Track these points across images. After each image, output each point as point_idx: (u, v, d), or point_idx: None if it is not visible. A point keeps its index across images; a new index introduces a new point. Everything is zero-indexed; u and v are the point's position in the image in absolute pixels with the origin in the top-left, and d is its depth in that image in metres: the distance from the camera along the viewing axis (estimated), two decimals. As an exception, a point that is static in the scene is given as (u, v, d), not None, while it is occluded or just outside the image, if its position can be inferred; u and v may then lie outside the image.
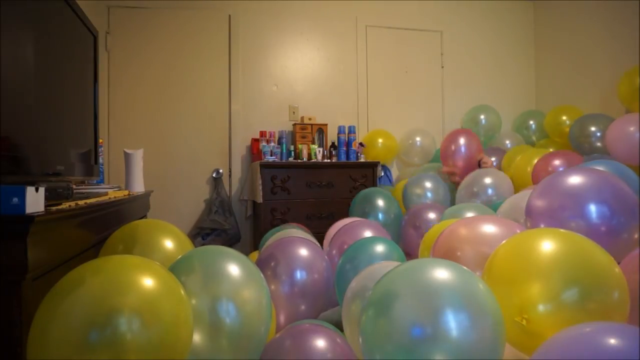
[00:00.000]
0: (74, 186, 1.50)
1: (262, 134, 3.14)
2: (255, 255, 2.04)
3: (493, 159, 3.07)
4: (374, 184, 3.12)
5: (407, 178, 3.01)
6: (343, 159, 3.18)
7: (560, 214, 1.36)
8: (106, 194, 1.72)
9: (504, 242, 1.18)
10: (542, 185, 1.47)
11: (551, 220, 1.37)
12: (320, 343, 1.12)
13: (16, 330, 0.91)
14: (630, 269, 1.10)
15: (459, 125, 3.68)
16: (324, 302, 1.62)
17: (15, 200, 0.91)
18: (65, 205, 1.18)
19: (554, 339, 0.84)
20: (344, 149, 3.20)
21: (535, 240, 1.10)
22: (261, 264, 1.57)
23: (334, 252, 1.90)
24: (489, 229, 1.39)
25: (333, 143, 3.20)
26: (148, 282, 0.94)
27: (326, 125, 3.27)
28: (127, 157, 2.21)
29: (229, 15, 3.34)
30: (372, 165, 3.16)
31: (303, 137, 3.18)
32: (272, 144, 3.07)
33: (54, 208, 1.07)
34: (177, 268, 1.14)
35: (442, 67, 3.79)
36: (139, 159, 2.22)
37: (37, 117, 1.24)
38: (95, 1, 3.04)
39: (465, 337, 0.89)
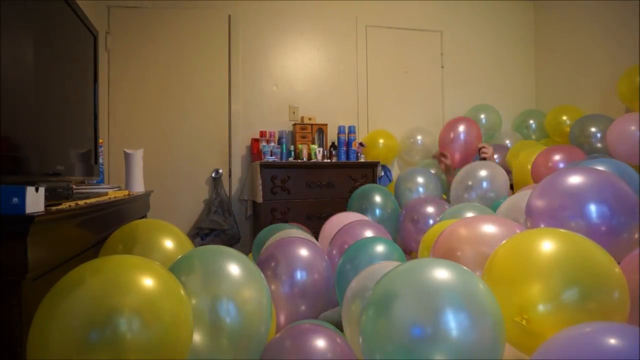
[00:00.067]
0: (74, 186, 1.50)
1: (262, 134, 3.14)
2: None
3: (495, 156, 3.05)
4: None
5: (405, 176, 3.01)
6: (343, 159, 3.18)
7: (560, 213, 1.36)
8: (106, 194, 1.72)
9: (504, 242, 1.18)
10: (542, 185, 1.47)
11: (551, 220, 1.37)
12: (320, 343, 1.12)
13: (16, 330, 0.91)
14: (630, 269, 1.10)
15: (459, 125, 3.68)
16: (324, 302, 1.62)
17: (15, 200, 0.91)
18: (65, 205, 1.18)
19: (554, 339, 0.84)
20: (344, 149, 3.20)
21: (535, 240, 1.10)
22: (261, 264, 1.57)
23: (334, 252, 1.90)
24: (489, 229, 1.39)
25: (333, 143, 3.21)
26: (148, 282, 0.94)
27: (326, 125, 3.27)
28: (127, 157, 2.21)
29: (229, 15, 3.33)
30: (372, 165, 3.16)
31: (303, 137, 3.18)
32: (272, 144, 3.07)
33: (54, 208, 1.07)
34: (177, 268, 1.14)
35: (442, 67, 3.79)
36: (139, 159, 2.22)
37: (37, 117, 1.24)
38: (95, 1, 3.04)
39: (465, 337, 0.89)
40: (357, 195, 2.64)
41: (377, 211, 2.51)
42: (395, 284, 1.01)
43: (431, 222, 2.18)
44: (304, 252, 1.61)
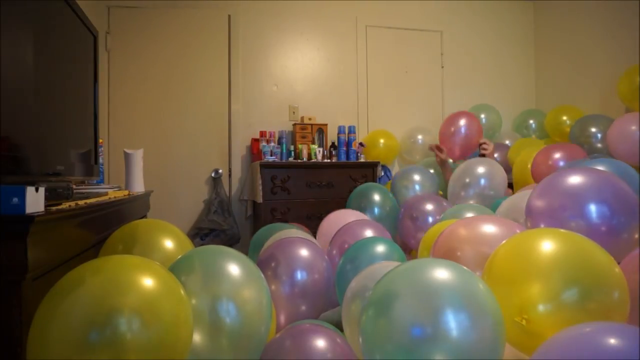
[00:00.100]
0: (74, 186, 1.50)
1: (262, 134, 3.14)
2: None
3: (496, 155, 3.05)
4: (374, 184, 3.12)
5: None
6: (343, 159, 3.18)
7: (560, 213, 1.36)
8: (106, 194, 1.72)
9: (504, 242, 1.18)
10: (542, 185, 1.47)
11: (551, 220, 1.37)
12: (320, 343, 1.12)
13: (16, 330, 0.91)
14: (630, 269, 1.10)
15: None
16: (325, 303, 1.62)
17: (15, 200, 0.91)
18: (65, 205, 1.18)
19: (554, 339, 0.84)
20: (344, 149, 3.20)
21: (535, 240, 1.10)
22: (261, 264, 1.57)
23: (334, 252, 1.90)
24: (489, 229, 1.39)
25: (333, 143, 3.21)
26: (148, 282, 0.94)
27: (326, 125, 3.27)
28: (127, 157, 2.21)
29: (229, 16, 3.33)
30: (372, 165, 3.16)
31: (303, 137, 3.18)
32: (272, 144, 3.07)
33: (54, 208, 1.07)
34: (177, 268, 1.14)
35: (442, 67, 3.79)
36: (139, 159, 2.22)
37: (37, 117, 1.24)
38: (95, 1, 3.04)
39: (465, 337, 0.89)
40: (356, 194, 2.65)
41: (376, 210, 2.52)
42: (395, 284, 1.01)
43: (430, 219, 2.18)
44: (304, 252, 1.61)
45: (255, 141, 3.23)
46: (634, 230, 1.29)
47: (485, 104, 3.64)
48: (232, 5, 3.34)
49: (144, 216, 2.34)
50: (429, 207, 2.23)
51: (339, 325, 1.37)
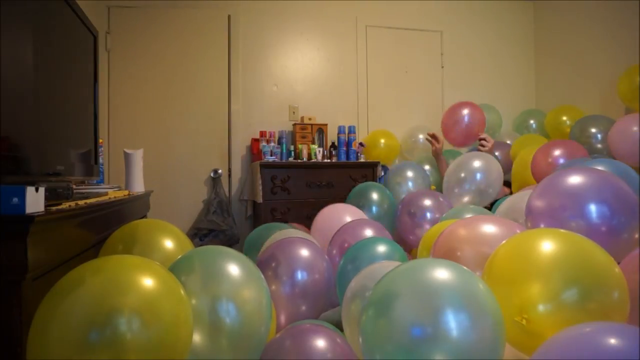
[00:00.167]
0: (74, 186, 1.50)
1: (262, 134, 3.14)
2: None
3: (497, 153, 3.04)
4: (374, 184, 3.12)
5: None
6: (343, 159, 3.18)
7: (560, 213, 1.36)
8: (106, 194, 1.72)
9: (504, 242, 1.18)
10: (543, 185, 1.47)
11: (551, 220, 1.37)
12: (320, 343, 1.12)
13: (16, 330, 0.91)
14: (630, 269, 1.10)
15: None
16: (325, 303, 1.62)
17: (15, 200, 0.91)
18: (65, 205, 1.18)
19: (554, 339, 0.84)
20: (344, 149, 3.20)
21: (535, 241, 1.10)
22: (262, 265, 1.57)
23: (334, 251, 1.90)
24: (489, 229, 1.39)
25: (333, 143, 3.20)
26: (148, 282, 0.94)
27: (326, 125, 3.27)
28: (127, 157, 2.21)
29: (229, 16, 3.33)
30: (372, 165, 3.16)
31: (303, 137, 3.18)
32: (272, 144, 3.07)
33: (54, 208, 1.07)
34: (177, 268, 1.14)
35: (442, 67, 3.79)
36: (139, 159, 2.22)
37: (37, 117, 1.24)
38: (95, 1, 3.04)
39: (465, 337, 0.89)
40: (355, 193, 2.65)
41: (374, 208, 2.53)
42: (395, 284, 1.01)
43: (428, 215, 2.20)
44: (304, 252, 1.61)
45: (255, 141, 3.23)
46: (634, 230, 1.29)
47: (485, 104, 3.62)
48: (232, 5, 3.34)
49: (144, 216, 2.34)
50: (427, 202, 2.23)
51: (339, 325, 1.37)
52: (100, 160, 2.08)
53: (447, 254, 1.38)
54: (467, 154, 2.46)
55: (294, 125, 3.22)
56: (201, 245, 2.82)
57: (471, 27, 3.84)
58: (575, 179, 1.39)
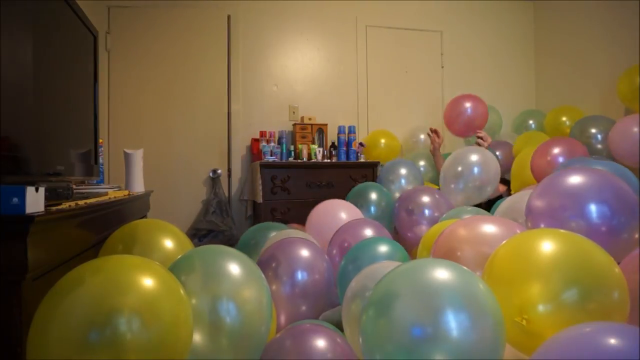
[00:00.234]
0: (74, 186, 1.50)
1: (262, 134, 3.14)
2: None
3: (497, 153, 3.04)
4: (374, 184, 3.12)
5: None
6: (343, 159, 3.18)
7: (560, 213, 1.36)
8: (106, 194, 1.72)
9: (504, 242, 1.18)
10: (542, 185, 1.47)
11: (551, 220, 1.37)
12: (321, 343, 1.12)
13: (16, 330, 0.91)
14: (630, 269, 1.10)
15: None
16: (325, 303, 1.62)
17: (15, 200, 0.91)
18: (65, 205, 1.18)
19: (554, 339, 0.84)
20: (344, 149, 3.20)
21: (535, 241, 1.10)
22: (262, 265, 1.57)
23: (334, 251, 1.90)
24: (489, 229, 1.39)
25: (333, 143, 3.20)
26: (148, 282, 0.94)
27: (326, 125, 3.27)
28: (127, 157, 2.21)
29: (229, 16, 3.33)
30: (372, 165, 3.16)
31: (303, 137, 3.18)
32: (272, 144, 3.07)
33: (54, 208, 1.07)
34: (177, 268, 1.14)
35: (442, 67, 3.79)
36: (139, 159, 2.22)
37: (37, 117, 1.24)
38: (95, 1, 3.04)
39: (466, 337, 0.89)
40: (353, 193, 2.66)
41: (373, 208, 2.54)
42: (396, 284, 1.01)
43: (426, 212, 2.22)
44: (304, 252, 1.61)
45: (255, 141, 3.23)
46: (634, 230, 1.29)
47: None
48: (232, 5, 3.34)
49: (144, 216, 2.34)
50: (425, 199, 2.25)
51: (339, 325, 1.37)
52: (100, 160, 2.08)
53: (447, 254, 1.38)
54: (464, 148, 2.48)
55: (294, 125, 3.22)
56: (200, 246, 2.82)
57: (471, 27, 3.84)
58: (575, 179, 1.39)
